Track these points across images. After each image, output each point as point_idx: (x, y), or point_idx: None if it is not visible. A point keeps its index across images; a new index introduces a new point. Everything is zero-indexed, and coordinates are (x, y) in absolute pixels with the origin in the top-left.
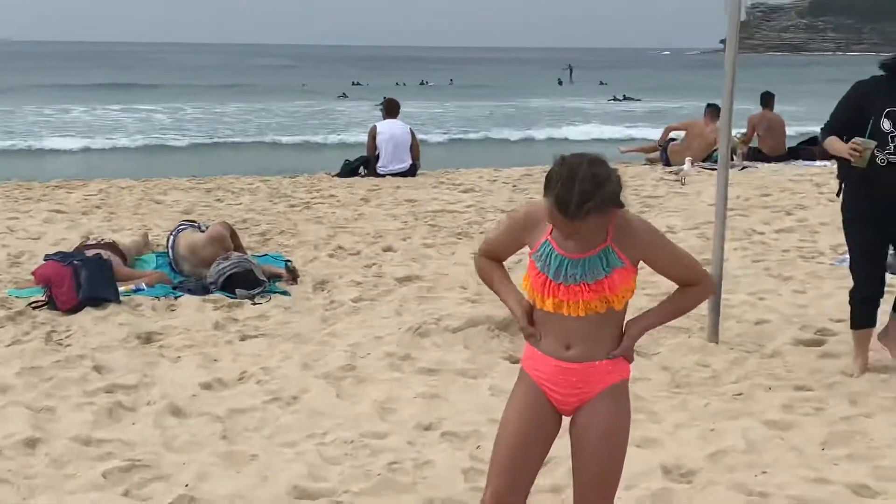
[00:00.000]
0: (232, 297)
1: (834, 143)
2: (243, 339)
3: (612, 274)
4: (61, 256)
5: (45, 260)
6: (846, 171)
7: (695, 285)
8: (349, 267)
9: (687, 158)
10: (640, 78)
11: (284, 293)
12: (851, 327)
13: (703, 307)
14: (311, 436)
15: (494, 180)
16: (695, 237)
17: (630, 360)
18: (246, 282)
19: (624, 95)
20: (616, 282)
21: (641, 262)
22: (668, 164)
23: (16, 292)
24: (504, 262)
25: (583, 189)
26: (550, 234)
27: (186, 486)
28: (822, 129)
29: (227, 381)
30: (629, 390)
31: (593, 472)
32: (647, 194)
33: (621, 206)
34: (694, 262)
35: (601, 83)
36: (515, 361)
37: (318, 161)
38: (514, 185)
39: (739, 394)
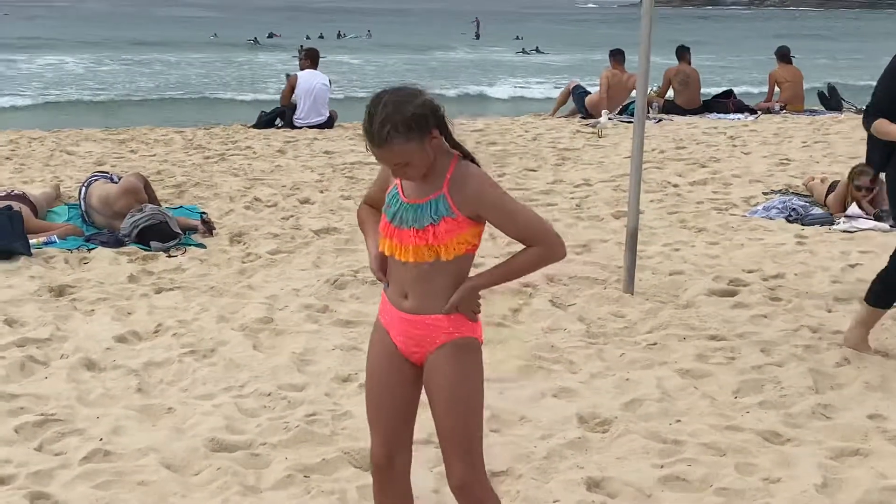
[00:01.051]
0: (146, 250)
1: (886, 127)
2: (158, 291)
3: (439, 223)
4: None
5: None
6: (887, 148)
7: (536, 246)
8: (266, 219)
9: (604, 111)
10: (558, 32)
11: (200, 246)
12: (868, 302)
13: (619, 258)
14: (228, 388)
15: None
16: (610, 189)
17: (470, 318)
18: (161, 234)
19: (536, 48)
20: (443, 231)
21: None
22: (585, 116)
23: None
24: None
25: (383, 114)
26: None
27: (101, 439)
28: (866, 110)
29: (142, 334)
30: (480, 348)
31: (443, 427)
32: (563, 146)
33: (429, 131)
34: (533, 220)
35: (517, 38)
36: None
37: (233, 112)
38: None
39: (654, 343)
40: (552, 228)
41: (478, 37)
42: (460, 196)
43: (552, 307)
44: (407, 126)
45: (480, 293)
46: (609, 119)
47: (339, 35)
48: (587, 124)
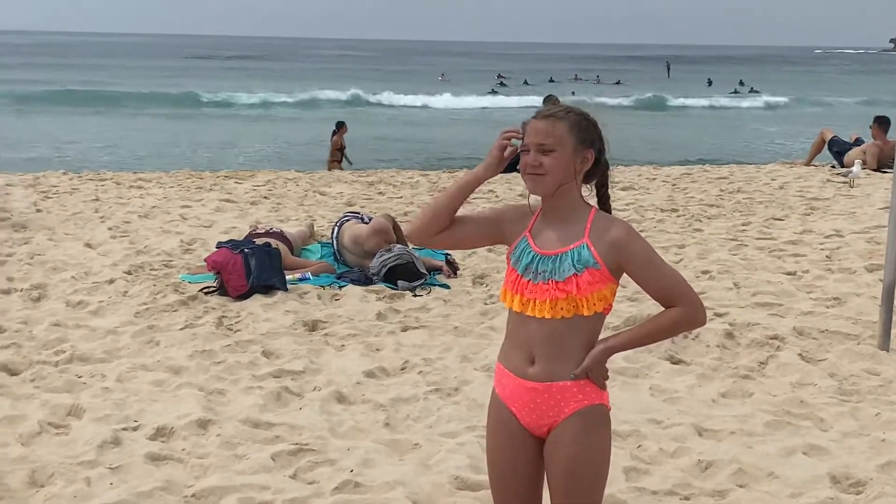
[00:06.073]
0: (394, 289)
1: None
2: (405, 329)
3: (583, 273)
4: (232, 244)
5: (217, 247)
6: None
7: (677, 307)
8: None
9: (857, 160)
10: (789, 77)
11: (444, 286)
12: None
13: (873, 313)
14: (471, 427)
15: (654, 178)
16: (863, 241)
17: (599, 385)
18: (407, 274)
19: (751, 88)
20: (586, 283)
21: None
22: (837, 165)
23: (188, 277)
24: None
25: (567, 105)
26: (530, 230)
27: (351, 471)
28: None
29: (389, 371)
30: (609, 417)
31: None
32: (812, 196)
33: (589, 147)
34: (680, 280)
35: (741, 83)
36: (677, 362)
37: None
38: (674, 184)
39: None
40: (694, 291)
41: (710, 83)
42: (604, 244)
43: (801, 361)
44: (579, 123)
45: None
46: (862, 168)
47: (575, 78)
48: (838, 173)
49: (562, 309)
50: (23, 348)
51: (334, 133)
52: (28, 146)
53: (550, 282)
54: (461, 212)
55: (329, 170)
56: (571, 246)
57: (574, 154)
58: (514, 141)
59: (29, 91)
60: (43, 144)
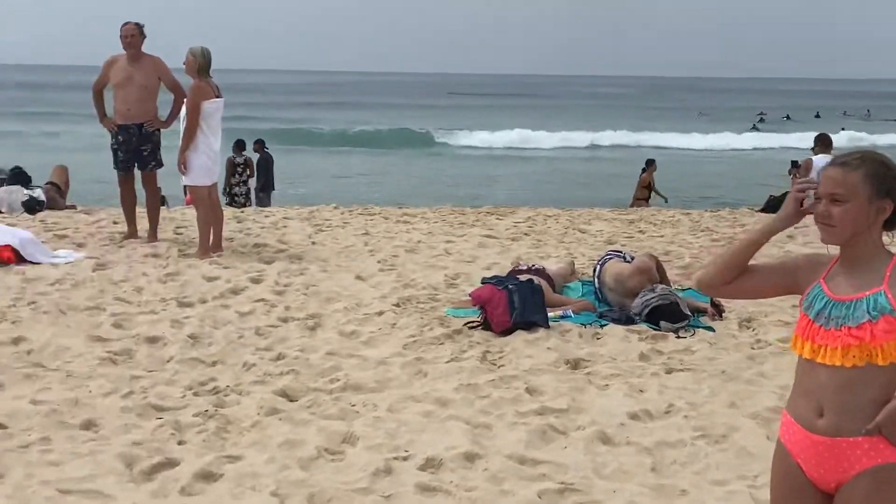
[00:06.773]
0: (656, 329)
1: None
2: (669, 371)
3: (878, 320)
4: (497, 280)
5: (482, 283)
6: None
7: None
8: (775, 305)
9: None
10: None
11: (709, 328)
12: None
13: None
14: (741, 477)
15: None
16: None
17: (894, 442)
18: (671, 315)
19: None
20: (882, 331)
21: None
22: None
23: (453, 312)
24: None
25: (867, 153)
26: (825, 276)
27: None
28: None
29: (653, 413)
30: None
31: None
32: None
33: (888, 197)
34: None
35: None
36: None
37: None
38: None
39: None
40: None
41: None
42: None
43: None
44: (875, 173)
45: None
46: None
47: (844, 113)
48: None
49: (854, 356)
50: (301, 375)
51: (643, 171)
52: (302, 182)
53: (843, 328)
54: (758, 262)
55: (634, 206)
56: (868, 292)
57: (868, 205)
58: (810, 193)
59: (300, 128)
60: (315, 180)
